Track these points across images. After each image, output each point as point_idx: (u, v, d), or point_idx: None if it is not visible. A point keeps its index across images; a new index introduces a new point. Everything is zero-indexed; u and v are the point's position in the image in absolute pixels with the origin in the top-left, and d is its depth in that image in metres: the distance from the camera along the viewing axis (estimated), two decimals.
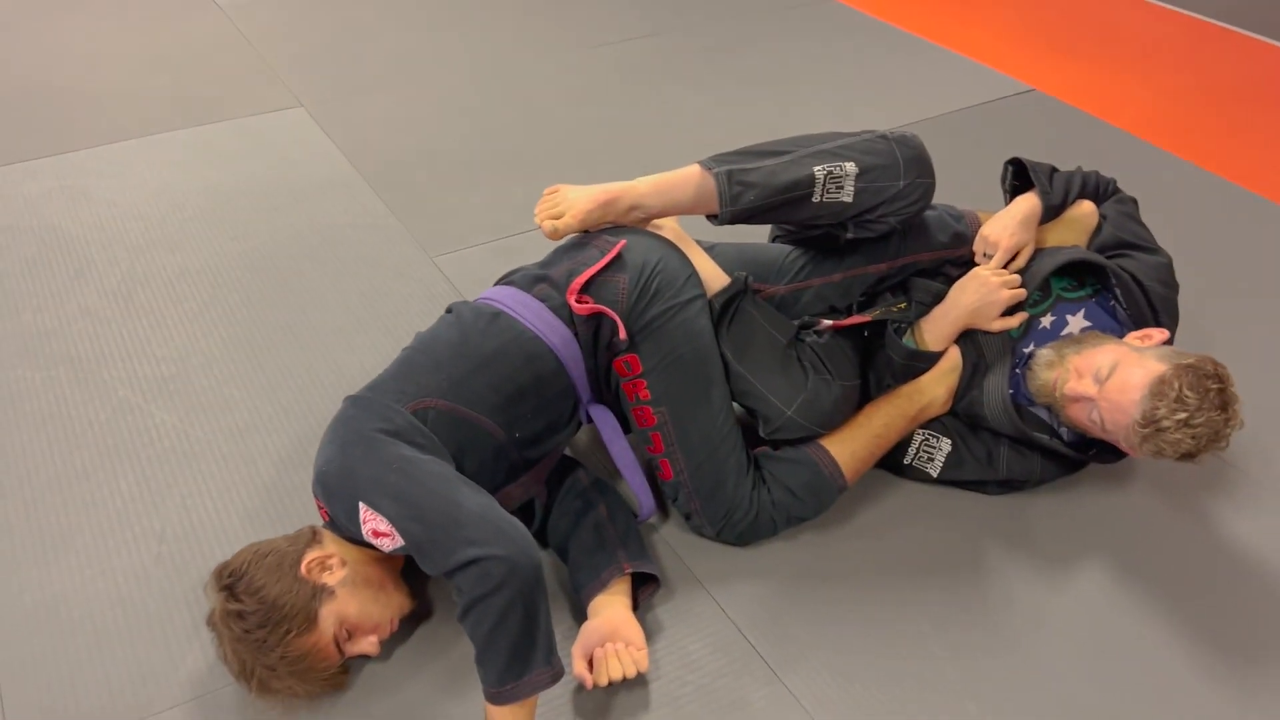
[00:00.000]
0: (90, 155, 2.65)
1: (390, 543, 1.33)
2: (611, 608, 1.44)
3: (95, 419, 1.84)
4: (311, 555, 1.39)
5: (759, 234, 1.90)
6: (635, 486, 1.59)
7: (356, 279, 2.21)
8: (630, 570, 1.48)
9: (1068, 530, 1.68)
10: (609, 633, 1.41)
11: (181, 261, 2.25)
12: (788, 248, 1.76)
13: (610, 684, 1.36)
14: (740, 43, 3.37)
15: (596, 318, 1.52)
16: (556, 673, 1.28)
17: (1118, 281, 1.69)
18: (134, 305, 2.12)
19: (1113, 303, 1.72)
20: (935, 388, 1.68)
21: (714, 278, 1.64)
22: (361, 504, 1.32)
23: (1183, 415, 1.44)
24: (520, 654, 1.25)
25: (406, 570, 1.50)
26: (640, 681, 1.42)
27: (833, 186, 1.56)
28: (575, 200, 1.60)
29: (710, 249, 1.75)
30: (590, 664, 1.39)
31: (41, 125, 2.77)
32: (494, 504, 1.33)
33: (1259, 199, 2.59)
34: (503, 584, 1.24)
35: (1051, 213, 1.74)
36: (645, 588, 1.52)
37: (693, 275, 1.60)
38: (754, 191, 1.57)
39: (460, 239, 2.35)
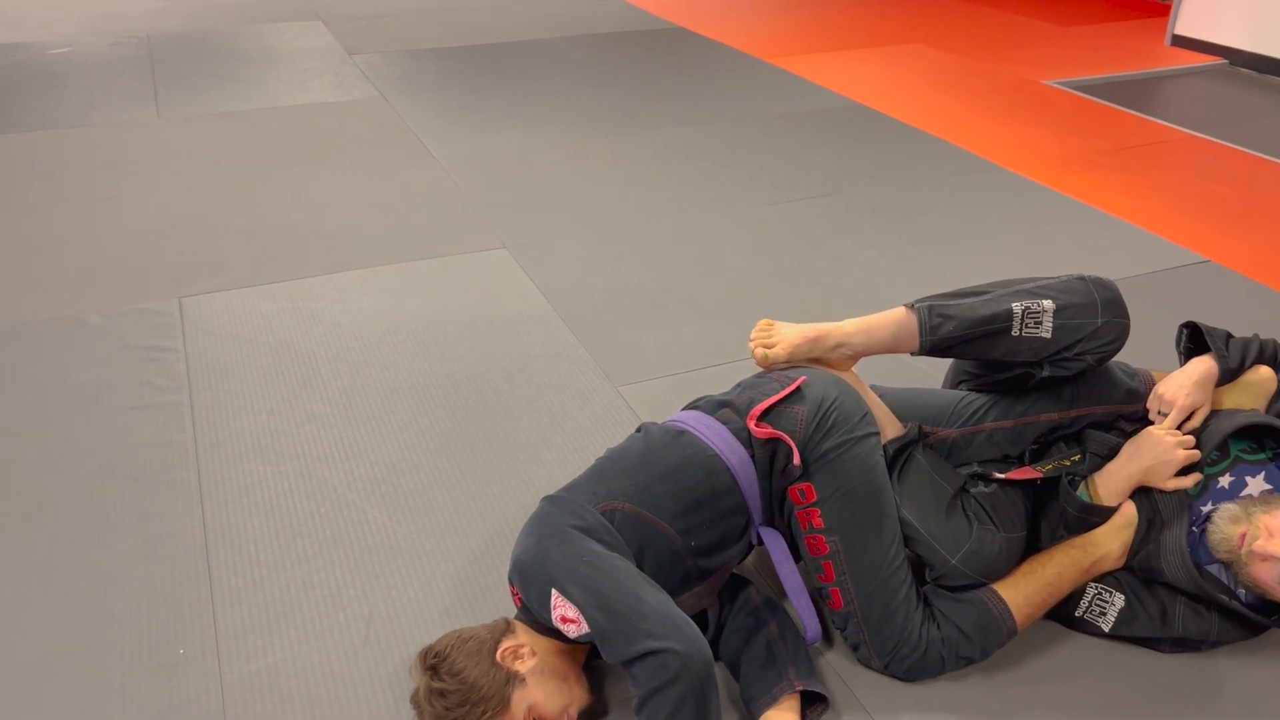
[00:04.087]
0: (320, 282, 2.99)
1: (576, 629, 1.45)
2: None
3: (316, 511, 2.05)
4: (506, 644, 1.52)
5: (925, 381, 1.99)
6: (801, 610, 1.65)
7: (548, 402, 2.40)
8: (800, 688, 1.54)
9: (1247, 694, 1.64)
10: None
11: (395, 378, 2.51)
12: (960, 393, 1.85)
13: None
14: (910, 204, 3.53)
15: (773, 443, 1.64)
16: None
17: None
18: (353, 413, 2.36)
19: None
20: (1110, 542, 1.70)
21: (887, 422, 1.74)
22: (554, 590, 1.46)
23: None
24: None
25: (585, 669, 1.60)
26: None
27: (1031, 322, 1.67)
28: (787, 334, 1.76)
29: (882, 394, 1.85)
30: None
31: (279, 255, 3.15)
32: (671, 601, 1.45)
33: None
34: (677, 677, 1.34)
35: (1228, 376, 1.78)
36: (814, 707, 1.58)
37: (868, 414, 1.70)
38: (953, 324, 1.69)
39: (642, 371, 2.53)
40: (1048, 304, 1.67)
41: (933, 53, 5.63)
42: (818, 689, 1.56)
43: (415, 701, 1.51)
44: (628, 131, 4.29)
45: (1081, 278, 1.72)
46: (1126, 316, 1.70)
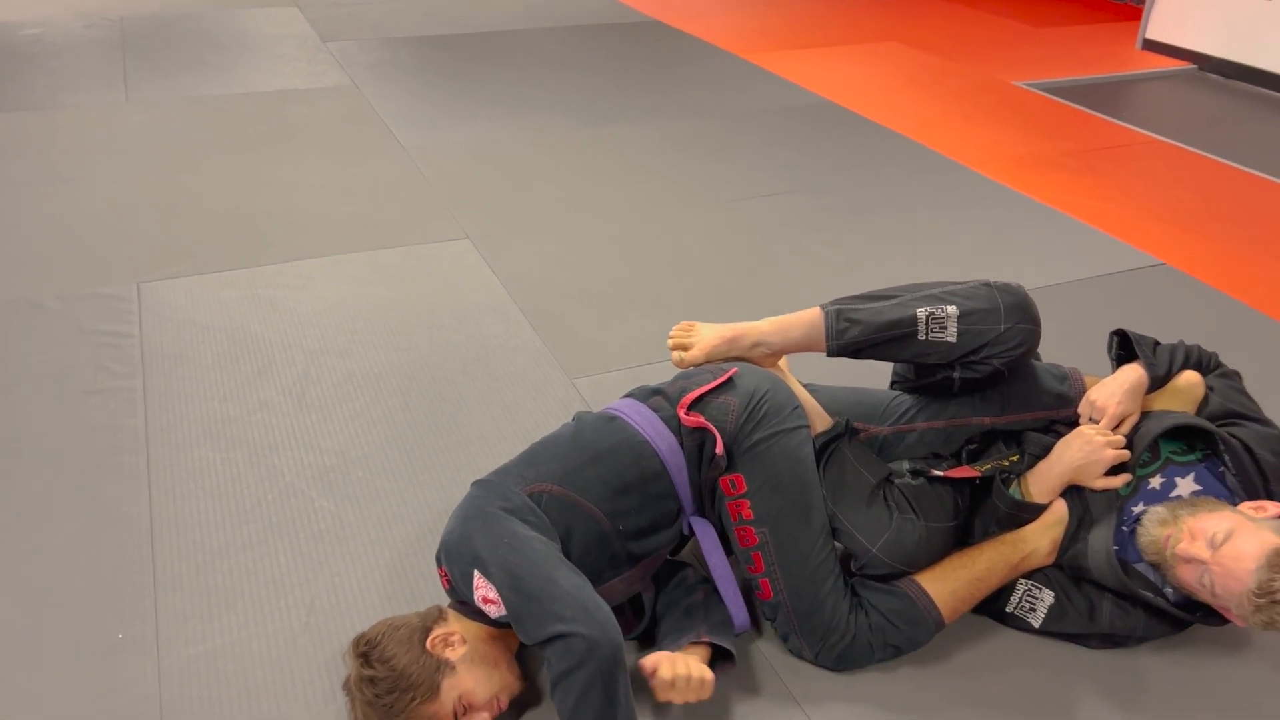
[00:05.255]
0: (280, 269, 2.99)
1: (497, 610, 1.48)
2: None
3: (263, 498, 2.06)
4: (437, 632, 1.54)
5: (876, 381, 2.02)
6: (728, 598, 1.67)
7: (502, 393, 2.42)
8: (707, 640, 1.58)
9: (1171, 689, 1.68)
10: (678, 656, 1.52)
11: (350, 366, 2.51)
12: (894, 393, 1.88)
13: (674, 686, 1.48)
14: (874, 203, 3.56)
15: (701, 432, 1.67)
16: None
17: (1227, 448, 1.73)
18: (306, 401, 2.37)
19: (1222, 469, 1.75)
20: (1039, 538, 1.73)
21: (816, 417, 1.77)
22: (475, 571, 1.49)
23: None
24: None
25: (518, 657, 1.62)
26: None
27: (936, 327, 1.70)
28: (705, 335, 1.78)
29: (815, 390, 1.88)
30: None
31: (242, 242, 3.15)
32: (587, 585, 1.48)
33: None
34: (583, 661, 1.38)
35: (1157, 383, 1.81)
36: (723, 665, 1.61)
37: (798, 407, 1.73)
38: (858, 328, 1.73)
39: (598, 364, 2.54)
40: (951, 309, 1.71)
41: (907, 51, 5.65)
42: (725, 645, 1.60)
43: (347, 689, 1.53)
44: (599, 124, 4.29)
45: (987, 284, 1.75)
46: (1033, 321, 1.73)
